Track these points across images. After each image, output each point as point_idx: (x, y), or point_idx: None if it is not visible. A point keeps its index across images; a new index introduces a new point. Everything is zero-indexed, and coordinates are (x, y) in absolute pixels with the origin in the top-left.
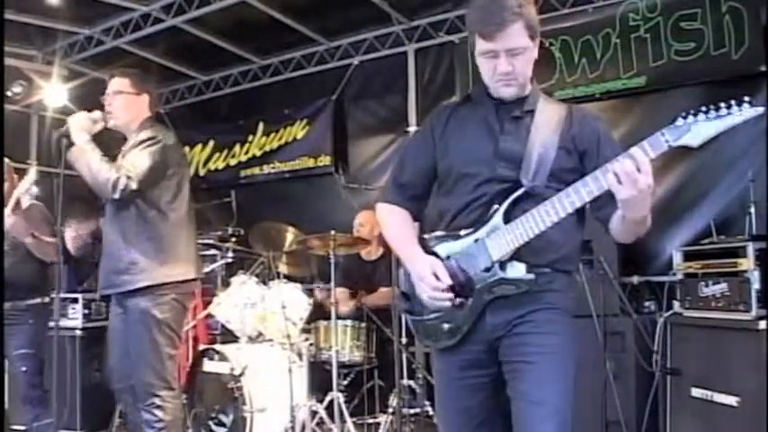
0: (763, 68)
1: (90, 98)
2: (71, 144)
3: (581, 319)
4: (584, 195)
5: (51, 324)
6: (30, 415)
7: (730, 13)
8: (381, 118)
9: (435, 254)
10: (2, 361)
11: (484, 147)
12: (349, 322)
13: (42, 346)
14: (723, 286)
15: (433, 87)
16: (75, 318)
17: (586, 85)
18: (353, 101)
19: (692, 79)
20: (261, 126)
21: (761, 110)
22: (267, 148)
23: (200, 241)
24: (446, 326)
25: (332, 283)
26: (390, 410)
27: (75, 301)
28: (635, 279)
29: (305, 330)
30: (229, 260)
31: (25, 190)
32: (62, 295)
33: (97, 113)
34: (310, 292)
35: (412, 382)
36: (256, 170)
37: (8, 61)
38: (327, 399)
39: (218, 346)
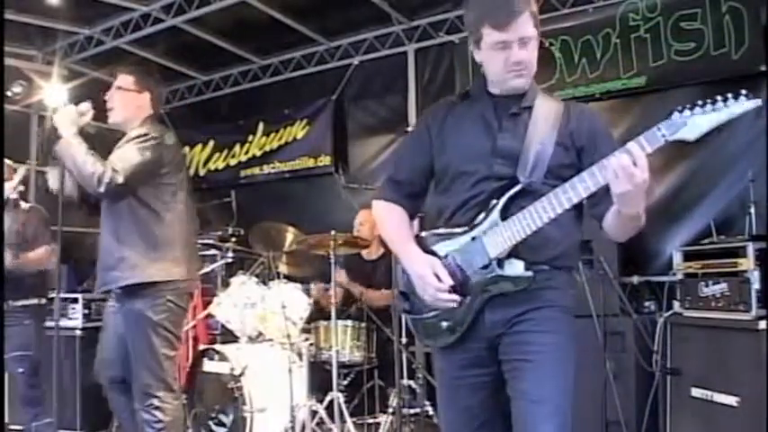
0: (763, 68)
1: (90, 98)
2: (59, 138)
3: (581, 319)
4: (581, 191)
5: (51, 324)
6: (28, 415)
7: (730, 13)
8: (381, 118)
9: (434, 252)
10: (2, 361)
11: (481, 144)
12: (349, 322)
13: (39, 346)
14: (723, 286)
15: (433, 87)
16: (75, 318)
17: (586, 85)
18: (353, 101)
19: (692, 79)
20: (261, 126)
21: (758, 102)
22: (267, 148)
23: (200, 241)
24: (445, 324)
25: (332, 283)
26: (390, 410)
27: (75, 301)
28: (635, 279)
29: (305, 330)
30: (229, 260)
31: (13, 189)
32: (62, 295)
33: (84, 105)
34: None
35: (412, 382)
36: (256, 170)
37: (8, 61)
38: (327, 399)
39: (218, 346)
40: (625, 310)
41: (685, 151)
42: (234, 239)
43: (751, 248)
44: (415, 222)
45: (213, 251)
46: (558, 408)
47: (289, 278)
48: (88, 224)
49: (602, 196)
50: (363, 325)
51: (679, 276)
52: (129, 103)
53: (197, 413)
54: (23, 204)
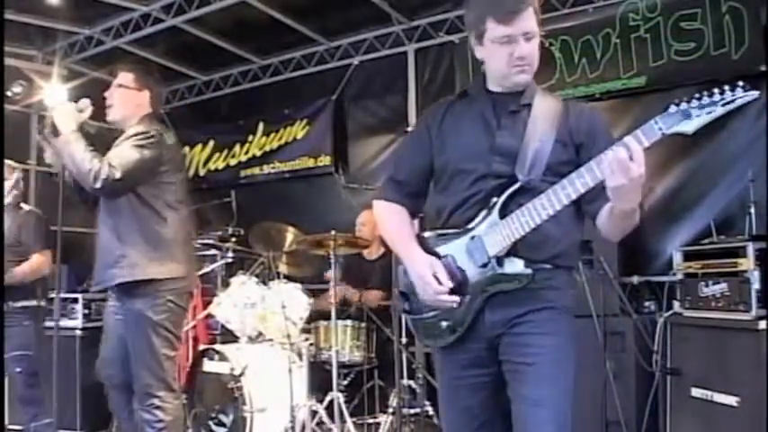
0: (763, 68)
1: (90, 98)
2: (57, 134)
3: (581, 318)
4: (579, 187)
5: (51, 324)
6: (27, 415)
7: (730, 13)
8: (381, 118)
9: (434, 252)
10: (2, 361)
11: (480, 142)
12: (349, 322)
13: (38, 346)
14: (723, 286)
15: (433, 87)
16: (75, 318)
17: (586, 85)
18: (353, 101)
19: (691, 79)
20: (261, 126)
21: (755, 94)
22: (267, 148)
23: (200, 241)
24: (444, 324)
25: (332, 283)
26: (390, 410)
27: (75, 301)
28: (635, 279)
29: (305, 330)
30: (229, 260)
31: (7, 192)
32: (62, 295)
33: (83, 102)
34: (311, 293)
35: (412, 382)
36: (256, 170)
37: (8, 61)
38: (327, 399)
39: (218, 346)
40: (625, 310)
41: (685, 151)
42: (234, 239)
43: (751, 248)
44: (415, 222)
45: (213, 251)
46: (559, 410)
47: (289, 278)
48: (88, 224)
49: (598, 192)
50: (363, 325)
51: (679, 276)
52: (129, 100)
53: (197, 413)
54: (24, 207)
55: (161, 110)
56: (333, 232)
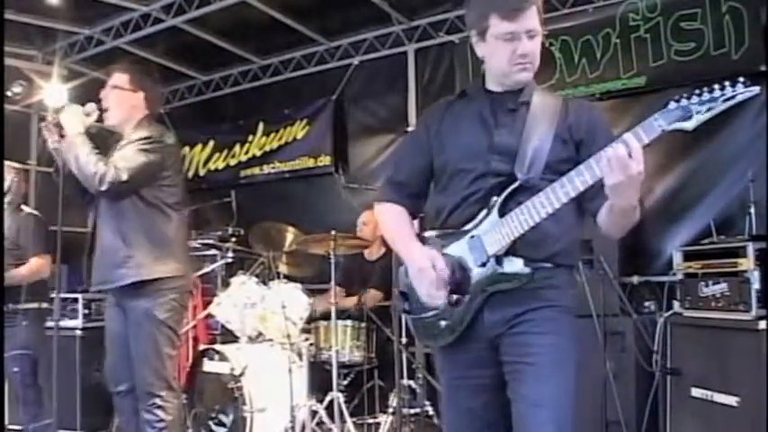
0: (763, 68)
1: (90, 98)
2: (62, 137)
3: (581, 318)
4: (578, 184)
5: (51, 324)
6: (27, 415)
7: (730, 13)
8: (381, 118)
9: None
10: (2, 361)
11: (479, 141)
12: (349, 322)
13: (37, 346)
14: (723, 286)
15: (433, 87)
16: (75, 318)
17: (586, 85)
18: (353, 101)
19: (692, 79)
20: (261, 126)
21: (756, 89)
22: (267, 148)
23: (200, 241)
24: (443, 323)
25: (332, 283)
26: (390, 410)
27: (75, 301)
28: (635, 279)
29: (305, 330)
30: (229, 260)
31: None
32: (62, 295)
33: (90, 106)
34: (311, 292)
35: (412, 382)
36: (256, 170)
37: (8, 61)
38: (327, 399)
39: (218, 346)
40: (625, 310)
41: (685, 151)
42: (234, 239)
43: (751, 248)
44: (415, 222)
45: (213, 251)
46: (559, 410)
47: (289, 278)
48: (88, 224)
49: (597, 190)
50: (363, 325)
51: (679, 276)
52: (124, 102)
53: (197, 413)
54: (25, 209)
55: (159, 110)
56: (333, 232)
